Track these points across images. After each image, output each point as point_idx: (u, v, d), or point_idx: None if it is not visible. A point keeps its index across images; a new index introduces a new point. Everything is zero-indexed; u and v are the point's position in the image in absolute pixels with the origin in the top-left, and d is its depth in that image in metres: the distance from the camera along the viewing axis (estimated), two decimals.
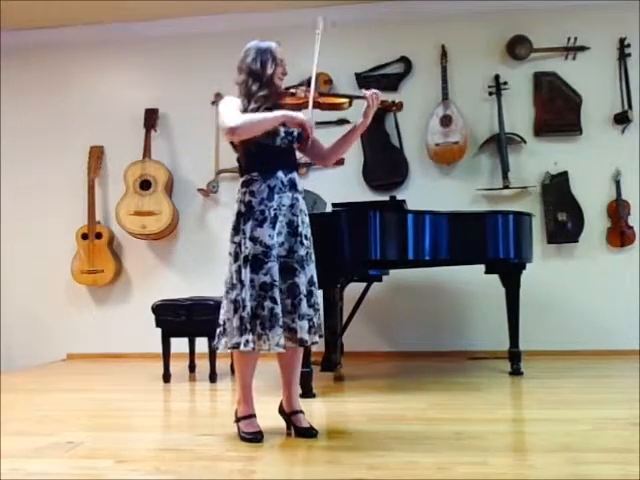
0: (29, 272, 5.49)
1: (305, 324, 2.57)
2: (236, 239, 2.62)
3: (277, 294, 2.54)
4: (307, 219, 2.72)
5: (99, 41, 5.51)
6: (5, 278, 5.51)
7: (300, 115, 2.61)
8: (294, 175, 2.69)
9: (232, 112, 2.58)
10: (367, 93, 2.73)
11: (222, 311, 2.66)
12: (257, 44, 2.71)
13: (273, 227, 2.59)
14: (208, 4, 5.10)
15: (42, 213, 5.50)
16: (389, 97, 4.97)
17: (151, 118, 5.35)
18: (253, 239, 2.58)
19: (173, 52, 5.44)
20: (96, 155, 5.43)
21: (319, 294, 2.75)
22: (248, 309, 2.54)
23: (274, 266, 2.55)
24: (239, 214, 2.64)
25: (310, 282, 2.64)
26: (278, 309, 2.53)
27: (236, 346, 2.56)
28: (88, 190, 5.36)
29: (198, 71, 5.33)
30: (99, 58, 5.54)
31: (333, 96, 2.85)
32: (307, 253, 2.65)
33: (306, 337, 2.56)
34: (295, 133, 2.70)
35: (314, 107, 2.71)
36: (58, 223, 5.43)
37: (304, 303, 2.57)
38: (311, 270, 2.66)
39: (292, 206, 2.64)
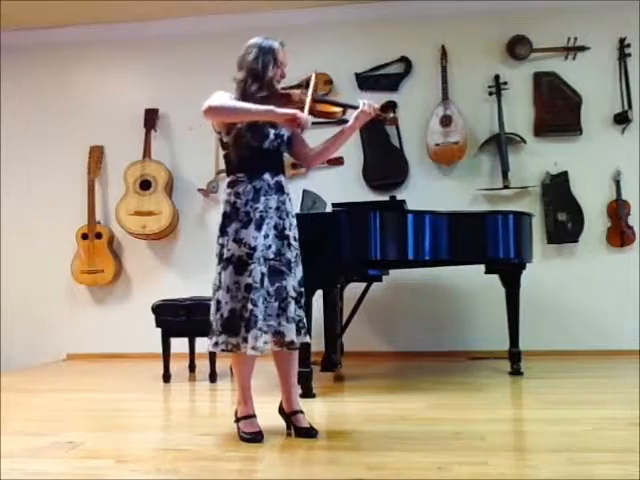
0: (29, 272, 5.49)
1: (293, 327, 2.57)
2: (221, 240, 2.62)
3: (258, 297, 2.53)
4: (295, 221, 2.71)
5: (99, 41, 5.51)
6: (5, 278, 5.51)
7: (290, 111, 2.53)
8: (281, 178, 2.68)
9: (219, 96, 2.61)
10: (362, 102, 2.70)
11: (210, 312, 2.68)
12: (259, 42, 2.68)
13: (258, 229, 2.58)
14: (208, 4, 5.10)
15: (42, 213, 5.50)
16: (389, 97, 5.05)
17: (151, 118, 5.35)
18: (237, 241, 2.57)
19: (173, 52, 5.43)
20: (96, 155, 5.43)
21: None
22: (224, 311, 2.56)
23: (257, 268, 2.55)
24: (224, 215, 2.63)
25: (300, 283, 2.66)
26: (257, 311, 2.52)
27: (213, 346, 2.61)
28: (88, 190, 5.36)
29: (198, 71, 5.33)
30: (99, 58, 5.54)
31: (327, 104, 2.82)
32: (296, 255, 2.66)
33: (294, 340, 2.58)
34: (285, 137, 2.70)
35: (309, 114, 2.70)
36: (58, 223, 5.43)
37: (292, 306, 2.58)
38: (300, 272, 2.67)
39: (278, 209, 2.64)
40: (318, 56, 5.01)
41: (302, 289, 2.67)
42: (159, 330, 4.22)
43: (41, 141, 5.56)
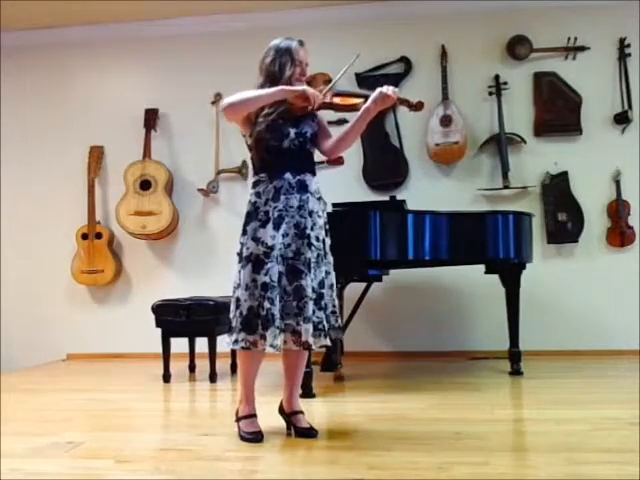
0: (29, 272, 5.49)
1: (310, 327, 2.53)
2: (241, 239, 2.64)
3: (275, 295, 2.53)
4: (320, 221, 2.67)
5: (99, 41, 5.51)
6: (5, 278, 5.51)
7: (299, 88, 2.56)
8: (305, 177, 2.65)
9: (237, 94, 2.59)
10: (385, 87, 2.64)
11: (230, 309, 2.68)
12: (277, 44, 2.69)
13: (277, 228, 2.58)
14: (208, 4, 5.10)
15: (42, 213, 5.50)
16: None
17: (151, 118, 5.35)
18: (255, 239, 2.58)
19: (173, 52, 5.43)
20: (96, 155, 5.43)
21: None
22: (243, 309, 2.55)
23: (274, 267, 2.55)
24: (246, 215, 2.65)
25: (321, 284, 2.61)
26: (275, 310, 2.52)
27: (233, 344, 2.59)
28: (88, 190, 5.36)
29: (198, 71, 5.33)
30: (99, 58, 5.54)
31: (347, 96, 2.77)
32: (318, 255, 2.61)
33: (311, 340, 2.54)
34: (309, 134, 2.69)
35: (328, 108, 2.68)
36: (58, 223, 5.43)
37: (310, 306, 2.54)
38: (322, 273, 2.62)
39: (300, 208, 2.62)
40: (318, 56, 4.98)
41: (323, 291, 2.61)
42: (159, 330, 4.22)
43: (41, 141, 5.56)
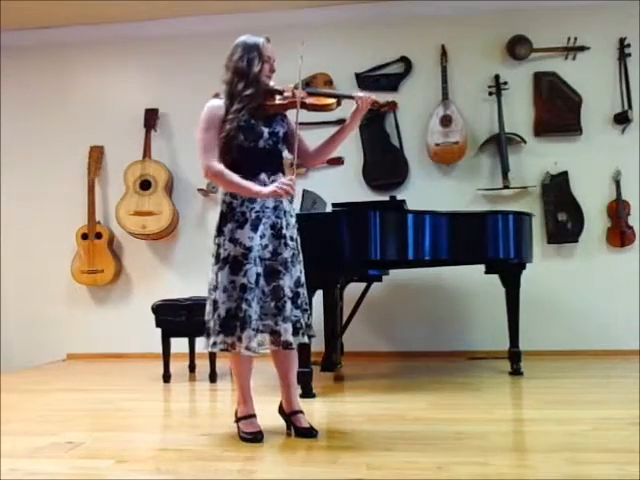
0: (29, 272, 5.49)
1: (289, 326, 2.56)
2: (217, 240, 2.63)
3: (252, 297, 2.53)
4: (293, 220, 2.70)
5: (99, 41, 5.51)
6: (5, 278, 5.51)
7: (272, 188, 2.51)
8: (278, 177, 2.63)
9: (210, 147, 2.58)
10: (357, 95, 2.70)
11: (205, 311, 2.67)
12: (245, 41, 2.66)
13: (254, 229, 2.58)
14: (208, 4, 5.10)
15: (42, 213, 5.50)
16: (389, 97, 5.03)
17: (151, 118, 5.35)
18: (233, 240, 2.58)
19: (173, 52, 5.43)
20: (96, 155, 5.43)
21: (308, 294, 2.73)
22: (222, 311, 2.56)
23: (252, 268, 2.55)
24: (221, 215, 2.64)
25: (297, 283, 2.63)
26: (251, 312, 2.53)
27: (211, 346, 2.59)
28: (88, 190, 5.36)
29: (198, 71, 5.31)
30: (99, 58, 5.54)
31: (321, 96, 2.76)
32: (292, 255, 2.63)
33: (291, 339, 2.56)
34: (281, 133, 2.68)
35: (302, 108, 2.65)
36: (58, 223, 5.43)
37: (288, 305, 2.57)
38: (297, 271, 2.64)
39: (275, 208, 2.63)
40: (318, 56, 5.00)
41: (299, 289, 2.63)
42: (159, 330, 4.22)
43: (41, 141, 5.55)
